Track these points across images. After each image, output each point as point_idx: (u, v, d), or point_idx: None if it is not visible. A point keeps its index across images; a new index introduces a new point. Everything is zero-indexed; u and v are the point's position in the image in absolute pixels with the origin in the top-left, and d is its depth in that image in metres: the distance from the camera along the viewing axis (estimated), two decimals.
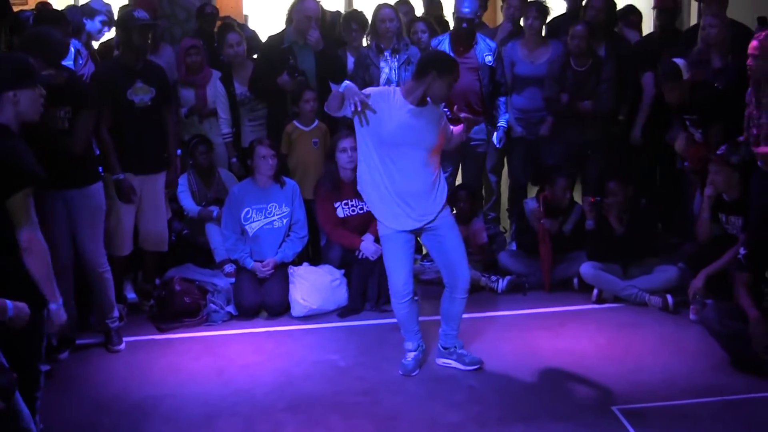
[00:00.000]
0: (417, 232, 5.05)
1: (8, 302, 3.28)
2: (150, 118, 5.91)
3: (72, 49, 6.02)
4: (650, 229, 6.52)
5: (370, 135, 4.85)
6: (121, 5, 7.47)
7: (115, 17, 6.74)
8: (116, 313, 5.64)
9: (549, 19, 7.20)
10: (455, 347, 5.19)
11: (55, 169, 4.71)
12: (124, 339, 5.68)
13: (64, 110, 5.17)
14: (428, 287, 6.46)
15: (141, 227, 6.12)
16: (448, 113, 5.28)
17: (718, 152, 5.84)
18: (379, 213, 5.02)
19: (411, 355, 5.16)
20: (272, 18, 9.20)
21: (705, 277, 5.62)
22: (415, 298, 5.15)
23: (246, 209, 6.37)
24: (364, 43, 7.16)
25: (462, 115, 5.01)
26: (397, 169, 4.85)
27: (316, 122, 6.74)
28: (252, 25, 9.70)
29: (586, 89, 6.80)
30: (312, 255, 6.77)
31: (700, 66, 6.47)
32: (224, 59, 7.23)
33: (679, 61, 6.18)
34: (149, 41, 6.04)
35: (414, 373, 5.10)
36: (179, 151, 6.64)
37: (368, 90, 4.95)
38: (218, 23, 7.95)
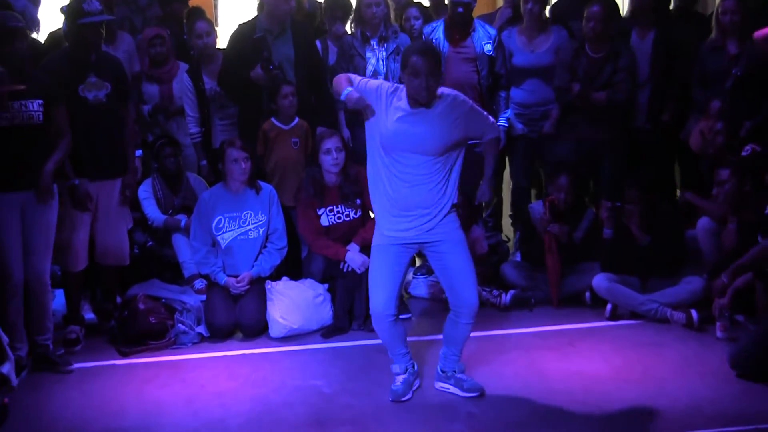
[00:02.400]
0: (419, 247, 4.95)
1: None
2: (105, 117, 5.87)
3: None
4: (677, 240, 6.38)
5: (375, 133, 4.83)
6: None
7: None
8: (50, 334, 5.64)
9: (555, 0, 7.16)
10: (455, 371, 5.14)
11: (21, 167, 4.99)
12: (82, 364, 5.64)
13: (36, 103, 5.23)
14: (424, 303, 6.43)
15: (98, 239, 6.09)
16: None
17: (743, 153, 5.83)
18: (376, 216, 5.00)
19: (400, 379, 5.09)
20: (244, 5, 9.15)
21: (732, 292, 5.57)
22: (402, 316, 5.12)
23: (218, 218, 6.32)
24: (348, 31, 7.12)
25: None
26: (397, 173, 4.79)
27: (296, 120, 6.71)
28: (223, 12, 9.68)
29: (600, 78, 6.74)
30: (292, 268, 6.71)
31: (714, 54, 6.47)
32: (194, 52, 7.18)
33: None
34: (103, 33, 5.99)
35: (405, 398, 5.04)
36: (139, 152, 6.59)
37: (365, 86, 4.86)
38: (185, 10, 7.89)
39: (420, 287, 6.85)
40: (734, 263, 5.60)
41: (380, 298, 4.90)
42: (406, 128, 4.70)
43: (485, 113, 4.97)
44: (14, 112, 5.22)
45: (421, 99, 4.67)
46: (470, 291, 4.93)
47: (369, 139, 4.91)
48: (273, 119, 6.68)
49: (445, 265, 4.93)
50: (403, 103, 4.74)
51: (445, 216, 4.84)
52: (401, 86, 4.82)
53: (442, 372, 5.16)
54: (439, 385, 5.17)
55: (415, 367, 5.18)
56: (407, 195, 4.78)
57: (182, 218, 6.70)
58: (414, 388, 5.13)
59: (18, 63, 5.27)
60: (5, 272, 5.26)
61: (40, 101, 5.32)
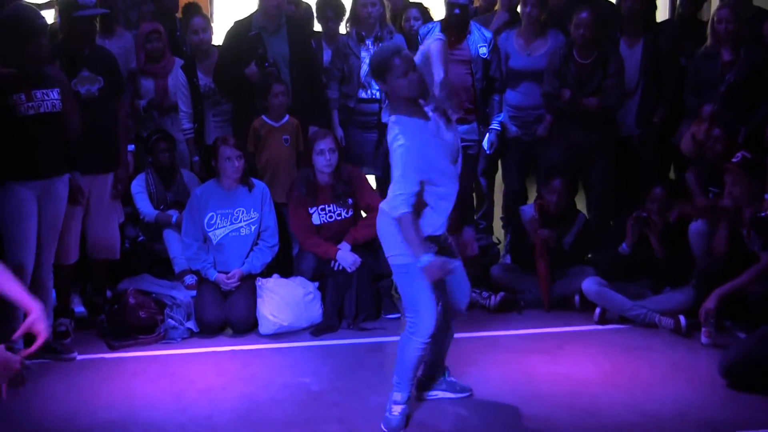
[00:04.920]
0: None
1: None
2: (98, 111, 5.87)
3: None
4: (688, 252, 6.32)
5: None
6: None
7: None
8: (51, 321, 5.63)
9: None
10: (444, 376, 5.03)
11: (43, 155, 5.14)
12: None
13: (55, 92, 5.30)
14: None
15: (89, 233, 6.08)
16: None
17: (734, 160, 5.82)
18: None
19: (398, 409, 4.72)
20: (240, 1, 9.13)
21: (719, 298, 5.60)
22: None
23: (210, 214, 6.30)
24: (342, 31, 7.12)
25: None
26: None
27: (287, 117, 6.70)
28: (218, 9, 9.66)
29: (591, 84, 6.74)
30: (283, 266, 6.70)
31: (708, 61, 6.48)
32: (186, 50, 7.16)
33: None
34: (97, 27, 5.98)
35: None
36: (132, 147, 6.58)
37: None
38: (178, 6, 7.88)
39: None
40: (722, 288, 5.62)
41: (433, 315, 4.56)
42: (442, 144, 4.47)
43: None
44: (38, 100, 5.26)
45: (425, 90, 4.43)
46: (465, 294, 4.88)
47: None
48: (264, 117, 6.68)
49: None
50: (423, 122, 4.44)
51: None
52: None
53: (426, 378, 5.00)
54: (429, 394, 5.01)
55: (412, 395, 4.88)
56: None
57: (174, 214, 6.68)
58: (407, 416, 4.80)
59: (40, 59, 5.28)
60: (19, 261, 5.25)
61: (58, 89, 5.36)
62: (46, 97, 5.28)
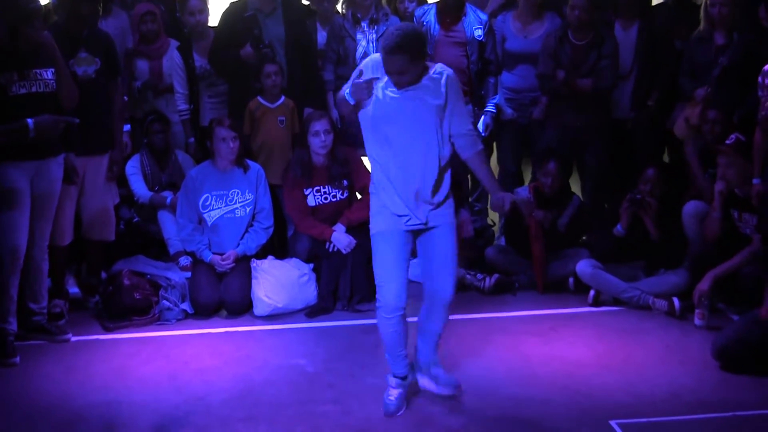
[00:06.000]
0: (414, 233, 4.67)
1: None
2: (94, 92, 5.86)
3: None
4: (682, 234, 6.31)
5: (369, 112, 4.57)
6: None
7: None
8: (45, 302, 5.66)
9: None
10: (430, 365, 4.85)
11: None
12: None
13: (50, 71, 5.29)
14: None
15: (84, 214, 6.08)
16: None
17: (727, 142, 5.82)
18: (377, 201, 4.64)
19: (395, 393, 4.72)
20: None
21: (712, 280, 5.61)
22: None
23: (205, 195, 6.30)
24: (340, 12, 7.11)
25: None
26: (397, 154, 4.51)
27: (282, 99, 6.69)
28: None
29: (585, 66, 6.73)
30: (278, 247, 6.70)
31: (702, 45, 6.47)
32: (186, 31, 7.13)
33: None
34: (100, 10, 5.96)
35: (399, 414, 4.69)
36: (127, 127, 6.57)
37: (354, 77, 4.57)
38: None
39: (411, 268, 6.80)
40: (715, 270, 5.64)
41: (392, 289, 4.53)
42: (399, 103, 4.43)
43: (471, 120, 4.67)
44: (31, 80, 5.24)
45: (397, 87, 4.42)
46: (447, 282, 4.62)
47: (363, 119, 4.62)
48: (259, 98, 6.66)
49: (430, 250, 4.63)
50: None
51: (444, 200, 4.60)
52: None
53: (420, 365, 4.89)
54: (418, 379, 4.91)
55: (411, 376, 4.84)
56: (411, 174, 4.49)
57: (168, 195, 6.66)
58: (405, 398, 4.77)
59: (36, 41, 5.26)
60: (13, 243, 5.24)
61: (52, 69, 5.34)
62: (39, 77, 5.26)
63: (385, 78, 4.45)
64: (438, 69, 4.51)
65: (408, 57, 4.30)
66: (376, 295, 4.62)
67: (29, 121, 5.04)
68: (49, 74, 5.31)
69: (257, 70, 6.58)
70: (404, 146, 4.47)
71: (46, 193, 5.44)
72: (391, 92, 4.45)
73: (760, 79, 5.57)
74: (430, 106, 4.45)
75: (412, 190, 4.49)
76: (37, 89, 5.27)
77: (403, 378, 4.76)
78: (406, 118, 4.44)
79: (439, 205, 4.58)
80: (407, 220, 4.52)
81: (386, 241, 4.56)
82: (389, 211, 4.54)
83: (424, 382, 4.88)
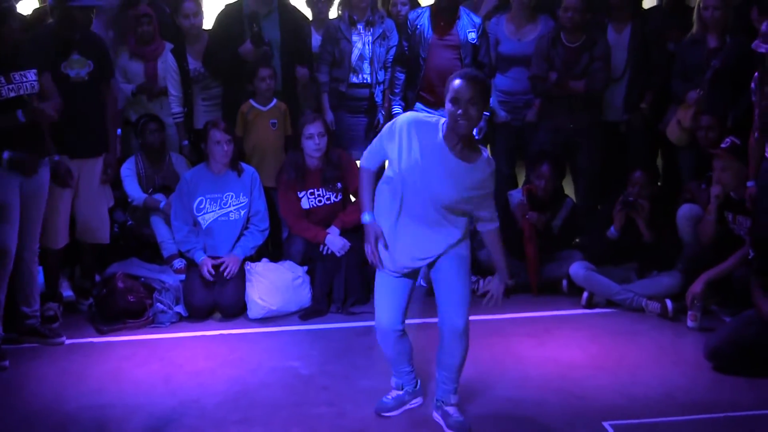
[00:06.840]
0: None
1: None
2: (87, 95, 5.86)
3: None
4: (675, 236, 6.34)
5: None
6: None
7: None
8: (37, 306, 5.66)
9: None
10: (443, 402, 4.64)
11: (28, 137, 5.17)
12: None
13: (32, 73, 5.27)
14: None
15: (78, 217, 6.06)
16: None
17: (722, 145, 5.83)
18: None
19: (393, 394, 4.76)
20: None
21: (705, 282, 5.62)
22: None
23: (199, 198, 6.29)
24: (333, 16, 7.10)
25: None
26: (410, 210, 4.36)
27: (275, 101, 6.69)
28: None
29: (577, 67, 6.74)
30: (272, 250, 6.70)
31: (695, 48, 6.49)
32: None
33: None
34: (93, 16, 5.96)
35: (390, 414, 4.71)
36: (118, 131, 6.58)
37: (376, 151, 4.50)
38: None
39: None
40: (708, 272, 5.66)
41: (385, 313, 4.50)
42: (425, 165, 4.23)
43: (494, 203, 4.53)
44: (17, 83, 5.22)
45: (459, 129, 4.17)
46: (456, 311, 4.45)
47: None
48: (251, 101, 6.66)
49: (438, 279, 4.50)
50: (431, 136, 4.27)
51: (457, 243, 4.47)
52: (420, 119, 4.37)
53: (436, 399, 4.70)
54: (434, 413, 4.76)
55: (418, 386, 4.81)
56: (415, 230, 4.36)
57: (161, 199, 6.66)
58: (408, 407, 4.76)
59: (12, 41, 5.24)
60: (2, 246, 5.23)
61: (34, 71, 5.32)
62: (24, 79, 5.24)
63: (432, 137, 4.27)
64: (486, 156, 4.35)
65: (479, 95, 4.16)
66: (375, 316, 4.59)
67: (18, 111, 5.10)
68: (32, 75, 5.29)
69: (253, 70, 6.57)
70: (423, 198, 4.29)
71: (34, 195, 5.41)
72: (440, 147, 4.25)
73: (752, 85, 5.58)
74: (469, 189, 4.29)
75: (407, 249, 4.39)
76: (25, 92, 5.24)
77: (401, 388, 4.76)
78: (442, 178, 4.24)
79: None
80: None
81: (385, 274, 4.50)
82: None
83: (436, 416, 4.68)
